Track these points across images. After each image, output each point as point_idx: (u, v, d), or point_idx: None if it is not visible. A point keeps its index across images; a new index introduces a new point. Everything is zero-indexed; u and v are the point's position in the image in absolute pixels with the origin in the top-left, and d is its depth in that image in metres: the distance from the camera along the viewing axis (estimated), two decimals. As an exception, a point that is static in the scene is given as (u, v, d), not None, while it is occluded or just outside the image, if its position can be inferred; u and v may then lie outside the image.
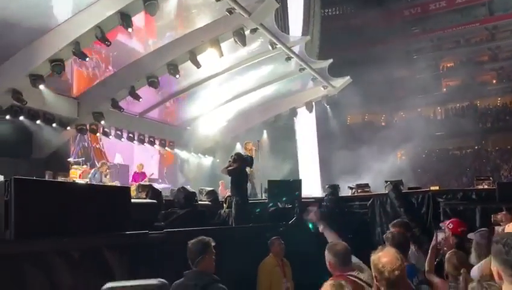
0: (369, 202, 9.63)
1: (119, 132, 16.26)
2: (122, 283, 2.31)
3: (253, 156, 11.71)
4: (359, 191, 10.90)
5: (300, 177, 16.54)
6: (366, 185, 11.07)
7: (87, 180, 11.73)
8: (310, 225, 4.84)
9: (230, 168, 8.20)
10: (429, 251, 4.45)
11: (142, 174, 13.73)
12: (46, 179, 12.10)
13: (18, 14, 10.55)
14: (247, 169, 11.31)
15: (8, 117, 12.51)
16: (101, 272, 4.42)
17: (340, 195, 10.11)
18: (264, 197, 10.31)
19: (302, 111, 20.96)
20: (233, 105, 18.51)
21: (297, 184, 9.13)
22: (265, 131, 20.44)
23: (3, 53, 11.90)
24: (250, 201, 8.80)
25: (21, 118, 12.86)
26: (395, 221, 5.16)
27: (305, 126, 21.86)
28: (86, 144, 15.99)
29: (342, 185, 10.75)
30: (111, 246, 4.53)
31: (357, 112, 23.02)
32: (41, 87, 12.24)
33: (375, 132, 21.02)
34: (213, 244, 3.75)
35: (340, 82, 19.46)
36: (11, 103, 12.28)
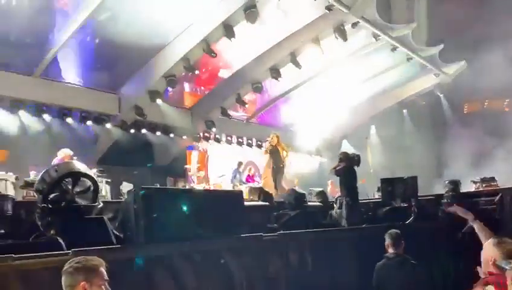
0: (497, 197, 8.68)
1: (229, 138, 17.02)
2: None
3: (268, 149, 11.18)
4: (484, 185, 9.92)
5: (415, 173, 15.59)
6: (492, 179, 10.04)
7: (204, 185, 12.42)
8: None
9: (337, 167, 8.05)
10: None
11: (252, 177, 14.14)
12: (168, 185, 13.18)
13: (135, 36, 11.65)
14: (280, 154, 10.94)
15: (132, 131, 13.86)
16: (221, 274, 4.64)
17: (462, 191, 9.28)
18: (377, 197, 9.92)
19: (412, 102, 19.81)
20: (338, 102, 18.18)
21: (412, 181, 8.60)
22: (373, 126, 19.69)
23: (125, 73, 13.27)
24: (361, 201, 8.53)
25: (143, 130, 14.18)
26: None
27: (418, 118, 20.56)
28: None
29: (462, 180, 9.87)
30: (229, 248, 4.72)
31: (475, 98, 20.89)
32: (159, 101, 13.36)
33: (498, 119, 18.90)
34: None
35: (454, 68, 17.99)
36: (135, 118, 13.61)
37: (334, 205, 8.91)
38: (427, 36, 19.72)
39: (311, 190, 9.39)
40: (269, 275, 5.21)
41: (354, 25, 12.94)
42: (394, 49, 15.16)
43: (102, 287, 2.40)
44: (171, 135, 15.10)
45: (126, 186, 10.08)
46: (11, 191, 4.82)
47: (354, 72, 16.63)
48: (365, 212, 8.33)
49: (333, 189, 13.82)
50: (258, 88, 14.65)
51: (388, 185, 8.63)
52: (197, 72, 13.05)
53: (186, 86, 16.23)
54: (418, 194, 8.55)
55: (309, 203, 8.12)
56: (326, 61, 15.21)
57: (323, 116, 18.73)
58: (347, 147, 17.96)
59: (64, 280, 2.37)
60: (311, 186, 11.12)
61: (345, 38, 12.91)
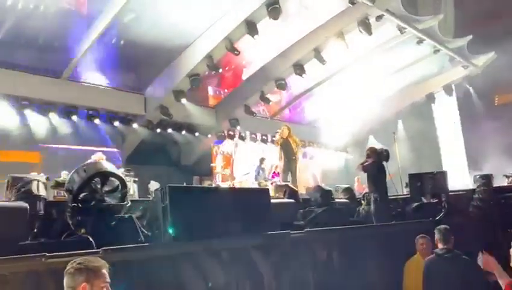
0: (532, 192, 8.37)
1: (253, 135, 17.02)
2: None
3: (279, 142, 10.32)
4: (518, 179, 9.57)
5: (444, 168, 15.21)
6: (527, 173, 9.67)
7: (230, 183, 12.45)
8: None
9: (365, 163, 7.91)
10: None
11: (278, 175, 14.09)
12: (194, 184, 13.29)
13: (159, 36, 11.78)
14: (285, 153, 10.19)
15: (158, 130, 14.04)
16: (249, 270, 4.63)
17: (494, 185, 8.99)
18: (405, 192, 9.73)
19: (440, 96, 19.34)
20: (364, 97, 17.92)
21: (442, 176, 8.39)
22: (400, 121, 19.33)
23: (150, 73, 13.45)
24: (390, 197, 8.36)
25: (169, 130, 14.34)
26: None
27: (445, 112, 20.05)
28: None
29: (494, 174, 9.55)
30: (256, 246, 4.71)
31: (507, 90, 20.21)
32: (184, 101, 13.48)
33: (532, 111, 18.24)
34: None
35: (483, 59, 17.46)
36: (160, 118, 13.77)
37: (362, 202, 8.79)
38: (455, 28, 19.19)
39: (338, 187, 9.27)
40: (297, 272, 5.17)
41: (379, 18, 12.69)
42: (420, 41, 14.82)
43: (104, 289, 2.38)
44: (196, 134, 15.23)
45: (154, 185, 10.20)
46: (42, 191, 4.93)
47: (380, 66, 16.33)
48: (394, 209, 8.17)
49: (360, 186, 13.66)
50: (281, 85, 14.57)
51: (417, 180, 8.44)
52: (220, 70, 13.08)
53: (210, 90, 16.30)
54: (448, 190, 8.33)
55: (336, 200, 8.02)
56: (351, 56, 15.00)
57: (348, 112, 18.49)
58: (374, 143, 17.70)
59: (65, 281, 2.36)
60: (336, 183, 11.01)
61: (369, 32, 12.68)
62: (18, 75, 11.30)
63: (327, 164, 19.48)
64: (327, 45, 13.63)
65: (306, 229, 5.77)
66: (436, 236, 5.06)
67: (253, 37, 11.92)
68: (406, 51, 15.72)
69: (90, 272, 2.36)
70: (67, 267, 2.41)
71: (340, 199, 8.64)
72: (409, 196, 8.70)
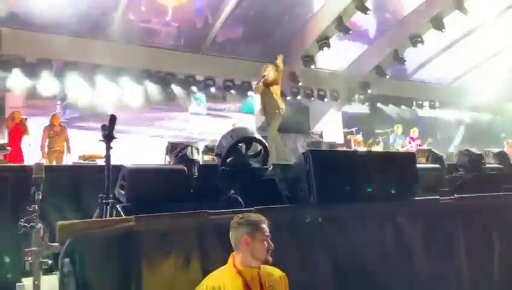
0: None
1: (386, 99, 16.26)
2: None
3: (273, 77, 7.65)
4: None
5: None
6: None
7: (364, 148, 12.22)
8: None
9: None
10: None
11: (415, 140, 13.38)
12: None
13: (287, 4, 11.79)
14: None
15: (288, 98, 14.24)
16: (395, 236, 4.51)
17: None
18: None
19: None
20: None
21: None
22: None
23: (280, 42, 13.60)
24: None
25: (298, 97, 14.45)
26: None
27: None
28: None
29: None
30: (403, 212, 4.55)
31: None
32: (312, 66, 13.42)
33: None
34: None
35: None
36: (290, 85, 13.93)
37: (519, 167, 7.90)
38: None
39: (488, 151, 8.46)
40: (446, 240, 4.89)
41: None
42: None
43: (264, 242, 2.58)
44: (326, 100, 15.08)
45: (286, 151, 10.50)
46: (196, 156, 5.41)
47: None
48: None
49: (509, 150, 12.27)
50: (417, 42, 13.46)
51: None
52: (350, 32, 12.59)
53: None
54: None
55: (487, 165, 7.31)
56: (496, 6, 13.21)
57: (493, 69, 16.48)
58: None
59: (230, 234, 2.66)
60: (483, 147, 9.99)
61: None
62: (162, 52, 12.41)
63: (470, 126, 17.85)
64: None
65: (456, 195, 5.36)
66: None
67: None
68: None
69: (251, 226, 2.61)
70: (232, 222, 2.67)
71: (491, 164, 7.88)
72: None
